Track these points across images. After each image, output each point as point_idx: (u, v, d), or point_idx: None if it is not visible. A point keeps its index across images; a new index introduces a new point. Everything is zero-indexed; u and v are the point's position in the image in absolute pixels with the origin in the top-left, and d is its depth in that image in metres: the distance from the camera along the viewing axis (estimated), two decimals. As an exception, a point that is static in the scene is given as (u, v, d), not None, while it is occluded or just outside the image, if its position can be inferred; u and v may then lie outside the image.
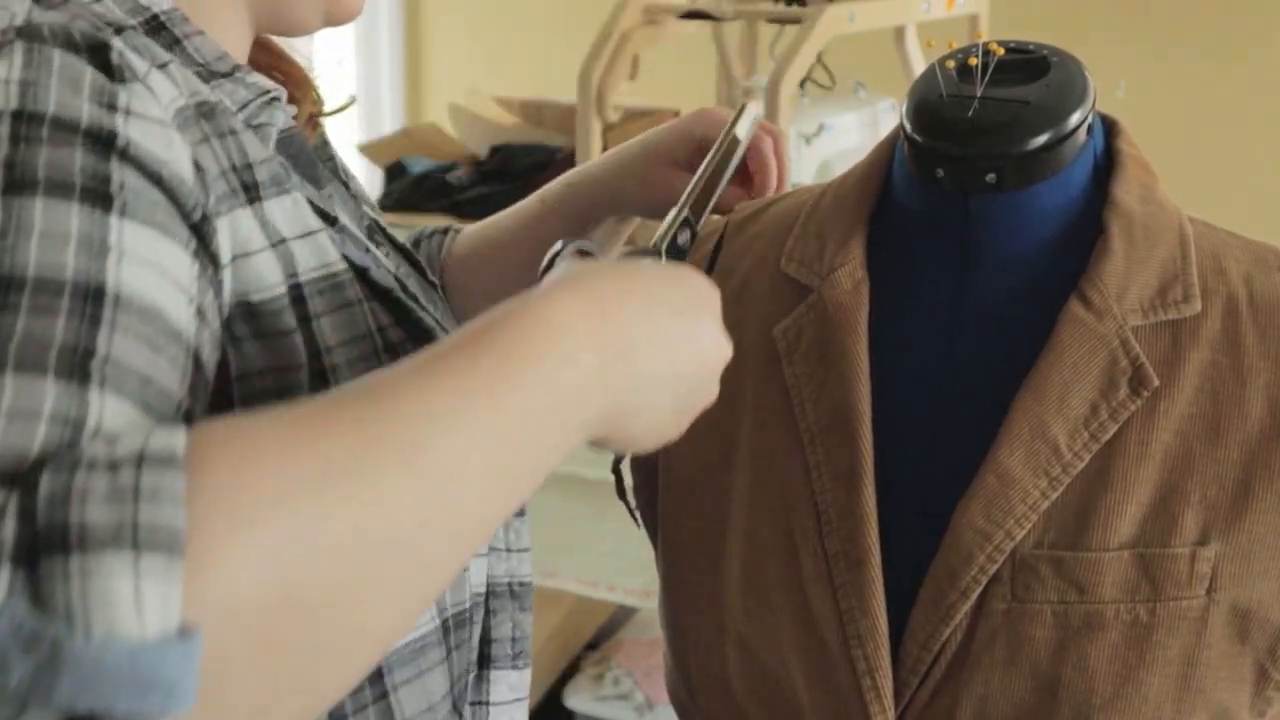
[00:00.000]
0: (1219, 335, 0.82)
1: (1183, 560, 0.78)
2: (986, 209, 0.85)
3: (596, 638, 2.25)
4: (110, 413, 0.52)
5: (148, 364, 0.56)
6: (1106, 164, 0.87)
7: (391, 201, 2.67)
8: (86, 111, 0.60)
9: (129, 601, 0.45)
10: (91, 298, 0.55)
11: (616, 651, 2.16)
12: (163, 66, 0.66)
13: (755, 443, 0.88)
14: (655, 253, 0.83)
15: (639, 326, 0.64)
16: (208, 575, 0.47)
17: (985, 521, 0.80)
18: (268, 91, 0.75)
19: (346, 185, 0.90)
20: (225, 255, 0.66)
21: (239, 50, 0.79)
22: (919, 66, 2.55)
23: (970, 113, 0.84)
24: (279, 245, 0.69)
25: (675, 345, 0.66)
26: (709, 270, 0.87)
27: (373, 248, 0.79)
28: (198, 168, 0.65)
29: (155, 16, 0.72)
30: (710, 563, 0.88)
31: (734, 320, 0.93)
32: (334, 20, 0.80)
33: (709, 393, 0.69)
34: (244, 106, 0.73)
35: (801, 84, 2.36)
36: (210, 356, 0.62)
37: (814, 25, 2.16)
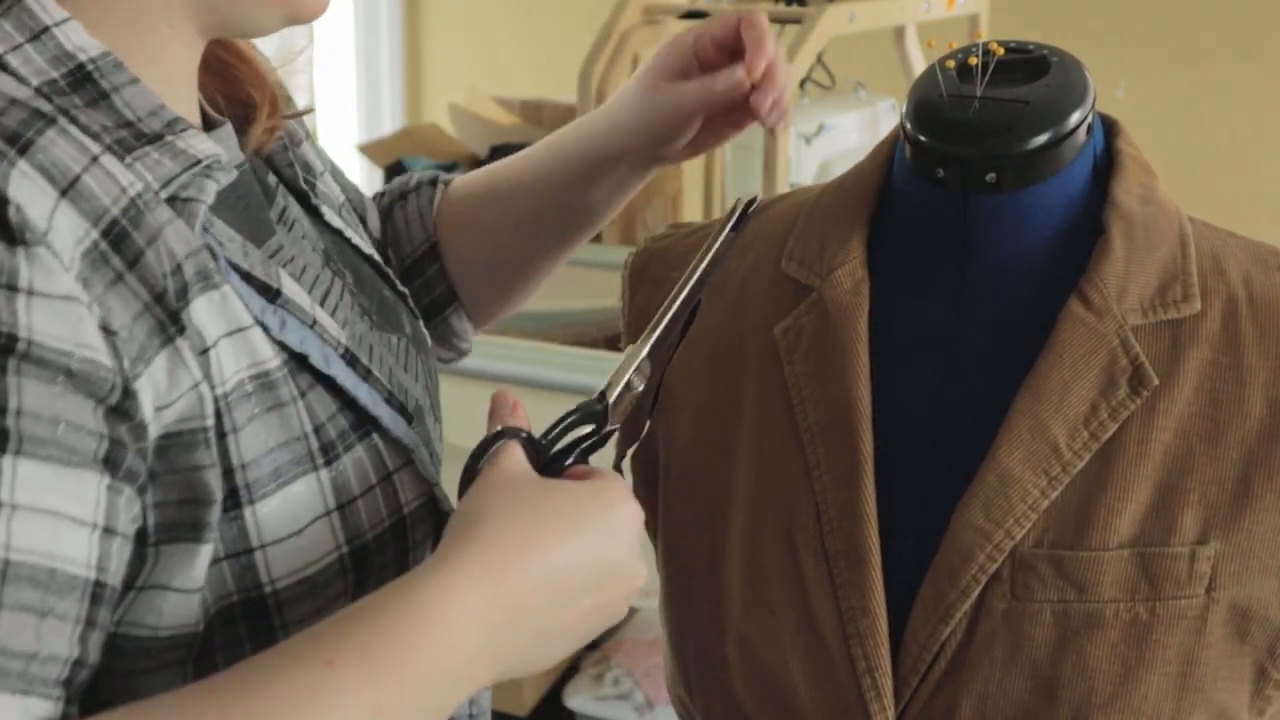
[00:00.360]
0: (1218, 335, 0.82)
1: (1182, 559, 0.78)
2: (986, 209, 0.85)
3: (596, 638, 2.25)
4: None
5: (34, 638, 0.58)
6: (1106, 164, 0.88)
7: (391, 201, 2.67)
8: None
9: None
10: None
11: (616, 651, 2.15)
12: (71, 186, 0.62)
13: (755, 442, 0.88)
14: (603, 408, 0.76)
15: (535, 592, 0.66)
16: None
17: (985, 520, 0.80)
18: (199, 161, 0.69)
19: (309, 196, 0.87)
20: (148, 415, 0.64)
21: (187, 65, 0.75)
22: (919, 66, 2.55)
23: (970, 113, 0.84)
24: (203, 354, 0.66)
25: (577, 599, 0.68)
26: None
27: (320, 315, 0.74)
28: (108, 331, 0.61)
29: (81, 66, 0.66)
30: (710, 562, 0.89)
31: (734, 320, 0.93)
32: (297, 19, 0.75)
33: (611, 622, 0.72)
34: (170, 181, 0.67)
35: (801, 84, 2.36)
36: (120, 560, 0.63)
37: (814, 25, 2.16)
